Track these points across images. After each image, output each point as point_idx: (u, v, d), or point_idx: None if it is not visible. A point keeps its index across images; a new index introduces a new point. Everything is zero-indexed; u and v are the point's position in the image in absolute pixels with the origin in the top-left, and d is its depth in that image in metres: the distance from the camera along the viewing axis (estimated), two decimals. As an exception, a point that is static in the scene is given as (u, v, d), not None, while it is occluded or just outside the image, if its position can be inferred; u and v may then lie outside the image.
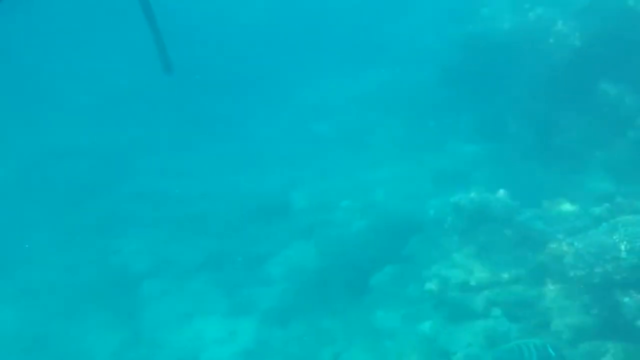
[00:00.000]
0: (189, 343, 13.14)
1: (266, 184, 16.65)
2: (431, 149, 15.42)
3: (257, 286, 13.91)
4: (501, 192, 10.41)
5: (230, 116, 19.46)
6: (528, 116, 13.18)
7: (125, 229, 15.98)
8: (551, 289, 9.37)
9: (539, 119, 12.93)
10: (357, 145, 16.85)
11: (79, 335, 13.92)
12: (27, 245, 15.76)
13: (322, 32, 20.77)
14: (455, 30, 14.67)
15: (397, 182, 14.75)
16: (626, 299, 8.53)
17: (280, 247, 14.54)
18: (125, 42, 18.73)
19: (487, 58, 14.43)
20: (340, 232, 13.42)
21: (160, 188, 17.10)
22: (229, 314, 13.60)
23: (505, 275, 9.77)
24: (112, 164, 17.96)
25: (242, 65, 20.00)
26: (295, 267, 13.85)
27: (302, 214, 15.19)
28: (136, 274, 14.85)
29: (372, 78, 19.11)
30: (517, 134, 13.42)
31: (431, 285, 10.16)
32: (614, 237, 8.68)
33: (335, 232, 13.60)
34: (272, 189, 16.26)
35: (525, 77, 13.28)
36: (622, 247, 8.54)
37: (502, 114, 14.01)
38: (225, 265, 14.53)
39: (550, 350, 8.55)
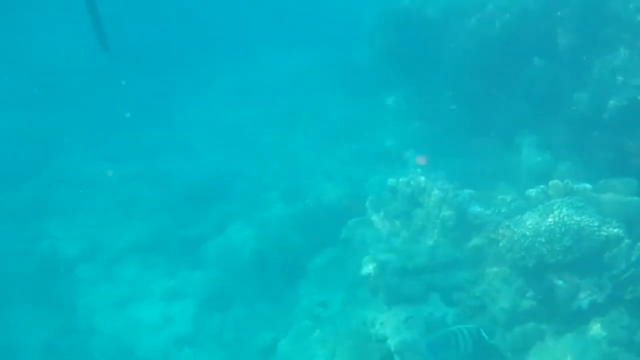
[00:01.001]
0: (125, 330, 12.85)
1: (201, 166, 16.29)
2: (366, 128, 15.28)
3: (193, 269, 13.65)
4: (436, 174, 10.35)
5: (162, 97, 18.90)
6: (463, 94, 13.09)
7: (52, 213, 15.46)
8: (488, 272, 9.39)
9: (474, 97, 12.85)
10: (292, 126, 16.60)
11: (7, 326, 13.44)
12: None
13: (253, 10, 20.26)
14: (389, 6, 14.40)
15: (334, 164, 14.64)
16: (560, 282, 8.60)
17: (217, 230, 14.28)
18: (55, 19, 17.93)
19: (420, 34, 14.27)
20: (277, 215, 13.19)
21: (88, 171, 16.54)
22: (164, 299, 13.34)
23: (443, 260, 9.73)
24: (38, 146, 17.29)
25: (173, 45, 19.39)
26: (232, 250, 13.62)
27: (239, 196, 14.96)
28: (66, 260, 14.38)
29: (305, 57, 18.80)
30: (452, 113, 13.33)
31: (368, 270, 10.05)
32: (549, 220, 8.72)
33: (272, 215, 13.37)
34: (207, 171, 15.92)
35: (460, 54, 13.16)
36: (557, 230, 8.59)
37: (437, 93, 13.89)
38: (159, 249, 14.17)
39: (484, 334, 8.60)
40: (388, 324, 9.58)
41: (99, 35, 6.86)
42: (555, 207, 8.90)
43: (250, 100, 18.31)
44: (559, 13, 11.21)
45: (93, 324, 13.04)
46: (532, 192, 9.56)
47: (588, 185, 9.22)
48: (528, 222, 8.89)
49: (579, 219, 8.56)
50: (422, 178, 10.23)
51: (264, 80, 18.80)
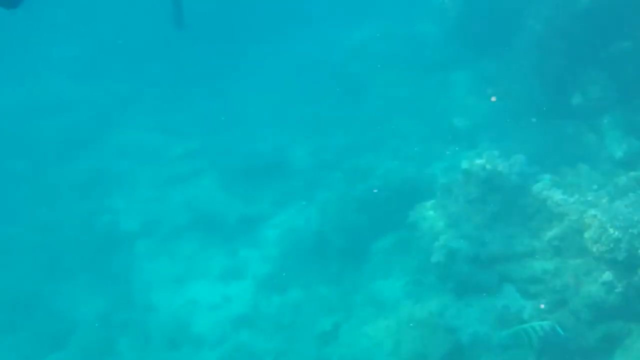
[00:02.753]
0: (182, 308, 12.60)
1: (262, 140, 15.84)
2: (435, 106, 14.53)
3: (253, 249, 13.28)
4: (515, 158, 9.66)
5: (223, 70, 18.48)
6: (540, 72, 12.31)
7: (112, 186, 15.25)
8: (570, 264, 8.71)
9: (553, 75, 12.05)
10: (357, 100, 15.93)
11: (64, 295, 13.37)
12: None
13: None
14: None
15: (402, 141, 13.97)
16: (654, 278, 7.89)
17: (277, 208, 13.86)
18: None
19: (496, 8, 13.51)
20: (341, 194, 12.62)
21: (147, 144, 16.27)
22: (223, 278, 13.02)
23: (519, 249, 9.08)
24: (99, 118, 17.10)
25: (234, 17, 18.91)
26: (293, 230, 13.21)
27: (301, 173, 14.47)
28: (125, 234, 14.21)
29: (370, 30, 18.02)
30: (529, 91, 12.56)
31: (438, 257, 9.50)
32: (642, 210, 8.01)
33: (335, 194, 12.83)
34: (268, 146, 15.49)
35: (539, 28, 12.33)
36: (651, 222, 7.87)
37: (511, 69, 13.12)
38: (218, 227, 13.84)
39: (559, 330, 7.99)
40: (458, 315, 9.01)
41: (176, 12, 6.37)
42: (649, 197, 8.16)
43: (313, 75, 17.69)
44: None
45: (150, 300, 12.83)
46: (621, 179, 8.79)
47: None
48: (618, 212, 8.16)
49: (678, 210, 7.81)
50: (499, 161, 9.53)
51: (327, 54, 18.13)
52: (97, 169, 15.73)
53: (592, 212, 8.49)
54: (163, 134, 16.76)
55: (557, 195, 8.95)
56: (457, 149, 12.88)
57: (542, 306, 8.54)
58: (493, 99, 12.57)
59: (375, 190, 12.06)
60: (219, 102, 18.10)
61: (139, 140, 16.48)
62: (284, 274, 12.44)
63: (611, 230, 8.11)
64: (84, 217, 14.55)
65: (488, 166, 9.57)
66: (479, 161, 9.68)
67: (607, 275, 8.25)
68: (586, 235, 8.41)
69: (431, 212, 10.42)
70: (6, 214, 15.08)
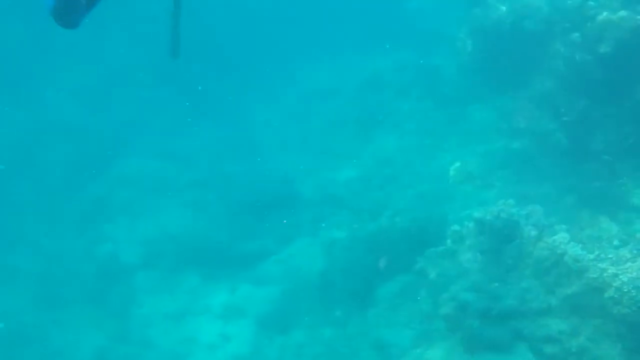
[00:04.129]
0: (180, 345, 12.18)
1: (268, 172, 15.42)
2: (448, 143, 14.06)
3: (255, 286, 12.85)
4: (532, 208, 9.17)
5: (230, 98, 18.10)
6: (561, 113, 11.84)
7: (115, 215, 14.86)
8: (587, 325, 8.18)
9: (574, 118, 11.58)
10: (369, 133, 15.49)
11: (63, 328, 13.02)
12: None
13: (331, 10, 19.15)
14: (482, 14, 13.18)
15: (414, 179, 13.48)
16: (677, 346, 7.36)
17: (281, 244, 13.42)
18: (125, 19, 17.35)
19: (515, 46, 13.06)
20: (348, 233, 12.14)
21: (153, 173, 15.88)
22: (223, 316, 12.59)
23: (534, 305, 8.56)
24: (105, 144, 16.71)
25: (244, 44, 18.57)
26: (297, 268, 12.75)
27: (307, 209, 14.01)
28: (126, 266, 13.82)
29: (384, 61, 17.59)
30: (547, 134, 12.09)
31: (447, 309, 8.99)
32: (667, 271, 7.49)
33: (343, 233, 12.35)
34: (275, 178, 15.04)
35: (561, 68, 11.91)
36: (677, 284, 7.35)
37: (529, 109, 12.65)
38: (220, 261, 13.40)
39: None
40: (468, 373, 8.50)
41: (173, 40, 6.06)
42: (674, 256, 7.65)
43: (326, 104, 17.30)
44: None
45: (148, 336, 12.43)
46: (645, 234, 8.30)
47: None
48: (641, 272, 7.66)
49: None
50: (514, 211, 9.04)
51: (341, 83, 17.73)
52: (101, 198, 15.37)
53: (613, 270, 7.97)
54: (169, 161, 16.38)
55: (576, 251, 8.42)
56: (470, 189, 12.39)
57: None
58: None
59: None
60: (227, 129, 17.73)
61: (144, 168, 16.09)
62: (286, 314, 11.95)
63: (634, 292, 7.59)
64: (85, 247, 14.20)
65: (503, 215, 9.07)
66: (493, 209, 9.18)
67: (628, 340, 7.71)
68: (606, 295, 7.89)
69: (441, 260, 9.91)
70: (9, 242, 14.76)
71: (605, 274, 8.04)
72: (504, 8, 12.61)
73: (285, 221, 13.71)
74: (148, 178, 15.70)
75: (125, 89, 17.96)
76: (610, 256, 8.29)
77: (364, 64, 17.76)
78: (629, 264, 7.97)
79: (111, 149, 16.53)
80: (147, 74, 17.40)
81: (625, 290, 7.67)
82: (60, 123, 17.47)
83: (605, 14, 10.44)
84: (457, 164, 13.11)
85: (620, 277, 7.82)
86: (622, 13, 10.14)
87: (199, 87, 16.99)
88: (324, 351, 11.07)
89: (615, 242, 8.54)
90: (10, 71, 18.13)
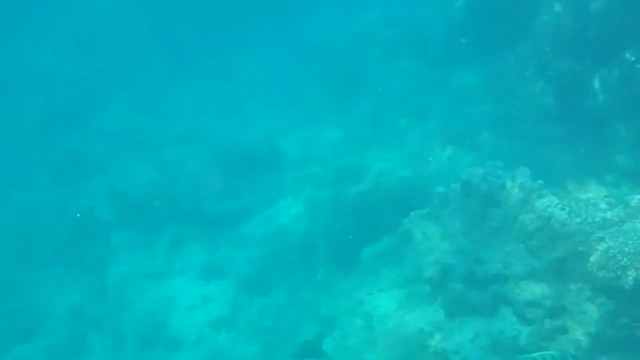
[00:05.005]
0: (158, 305, 11.98)
1: (252, 129, 15.12)
2: (434, 103, 13.75)
3: (235, 247, 12.64)
4: (520, 170, 8.94)
5: (219, 52, 17.66)
6: (550, 74, 11.57)
7: (92, 170, 14.51)
8: (572, 289, 8.03)
9: (563, 79, 11.31)
10: (355, 91, 15.14)
11: (36, 285, 12.85)
12: None
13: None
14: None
15: (398, 139, 13.22)
16: (662, 311, 7.24)
17: (263, 204, 13.19)
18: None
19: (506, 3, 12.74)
20: (333, 194, 11.85)
21: (133, 128, 15.52)
22: (203, 276, 12.38)
23: (518, 269, 8.40)
24: (83, 96, 16.33)
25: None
26: (279, 228, 12.54)
27: (291, 168, 13.78)
28: (102, 223, 13.52)
29: (369, 16, 17.14)
30: (535, 95, 11.83)
31: (431, 272, 8.82)
32: (654, 236, 7.34)
33: (326, 193, 12.06)
34: (258, 135, 14.72)
35: (551, 28, 11.60)
36: (664, 249, 7.21)
37: (519, 70, 12.36)
38: (201, 220, 13.16)
39: None
40: (450, 337, 8.37)
41: None
42: (662, 222, 7.49)
43: (311, 61, 16.89)
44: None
45: (124, 295, 12.23)
46: (633, 198, 8.11)
47: None
48: (628, 236, 7.49)
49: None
50: (501, 173, 8.83)
51: (328, 39, 17.28)
52: (77, 151, 14.99)
53: (600, 234, 7.80)
54: (150, 117, 16.05)
55: (563, 214, 8.24)
56: (456, 150, 12.16)
57: None
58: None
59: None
60: (211, 85, 17.37)
61: (123, 122, 15.75)
62: (267, 276, 11.77)
63: (619, 257, 7.44)
64: (60, 202, 13.89)
65: (489, 177, 8.86)
66: (479, 171, 8.95)
67: (611, 305, 7.58)
68: (592, 259, 7.73)
69: (426, 223, 9.71)
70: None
71: (591, 238, 7.87)
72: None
73: (267, 181, 13.44)
74: (127, 133, 15.39)
75: (108, 41, 17.45)
76: (597, 220, 8.10)
77: (352, 18, 17.34)
78: (615, 227, 7.80)
79: (88, 100, 16.11)
80: (131, 25, 16.87)
81: (611, 254, 7.51)
82: (34, 69, 16.97)
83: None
84: (442, 125, 12.88)
85: (607, 241, 7.65)
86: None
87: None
88: (304, 313, 10.88)
89: (603, 206, 8.34)
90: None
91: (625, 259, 7.45)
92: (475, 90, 13.34)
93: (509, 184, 8.80)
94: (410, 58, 15.16)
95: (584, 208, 8.40)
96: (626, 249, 7.49)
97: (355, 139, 13.73)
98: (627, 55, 10.12)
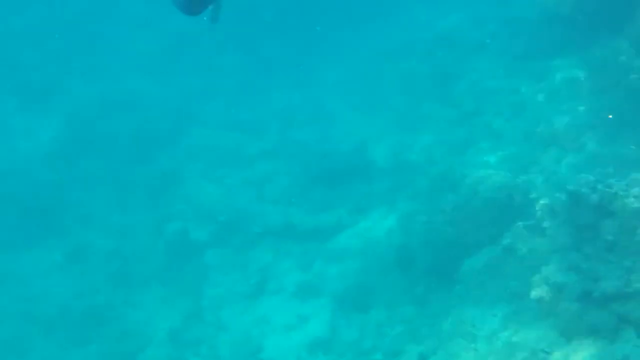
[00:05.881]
0: (254, 327, 11.79)
1: (341, 138, 14.78)
2: (531, 102, 12.99)
3: (330, 262, 12.32)
4: (633, 177, 8.17)
5: (301, 59, 17.37)
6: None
7: (185, 188, 14.56)
8: None
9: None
10: (445, 93, 14.51)
11: (136, 308, 12.90)
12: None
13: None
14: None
15: (495, 142, 12.55)
16: None
17: (356, 216, 12.82)
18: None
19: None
20: (428, 204, 11.31)
21: (222, 144, 15.51)
22: (298, 294, 12.13)
23: (640, 286, 7.66)
24: (172, 115, 16.45)
25: (307, 2, 17.73)
26: (373, 241, 12.12)
27: (383, 177, 13.35)
28: (197, 242, 13.51)
29: (458, 14, 16.46)
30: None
31: (540, 292, 8.19)
32: None
33: (422, 203, 11.55)
34: (347, 144, 14.39)
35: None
36: None
37: (628, 61, 11.41)
38: (293, 236, 12.92)
39: None
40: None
41: (215, 6, 5.79)
42: None
43: (397, 63, 16.34)
44: None
45: (221, 316, 12.14)
46: None
47: None
48: None
49: None
50: (613, 181, 8.08)
51: (413, 41, 16.71)
52: (170, 171, 15.09)
53: None
54: (238, 131, 15.94)
55: (689, 224, 7.47)
56: (557, 153, 11.40)
57: None
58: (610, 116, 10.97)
59: None
60: (296, 94, 17.12)
61: (212, 139, 15.76)
62: (364, 292, 11.37)
63: None
64: (156, 223, 13.97)
65: (600, 186, 8.12)
66: (589, 180, 8.22)
67: None
68: None
69: (531, 235, 9.07)
70: (80, 219, 14.72)
71: None
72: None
73: (359, 191, 13.06)
74: (216, 150, 15.36)
75: (189, 57, 17.52)
76: None
77: (437, 19, 16.70)
78: None
79: (178, 119, 16.20)
80: (211, 40, 16.83)
81: None
82: (126, 93, 17.25)
83: None
84: (542, 125, 12.12)
85: None
86: None
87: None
88: (405, 332, 10.43)
89: None
90: (77, 43, 17.97)
91: None
92: (576, 84, 12.53)
93: (622, 193, 8.03)
94: (502, 54, 14.45)
95: None
96: None
97: (448, 143, 13.14)
98: None
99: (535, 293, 8.27)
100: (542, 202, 8.89)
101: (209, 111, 16.78)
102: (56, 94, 17.62)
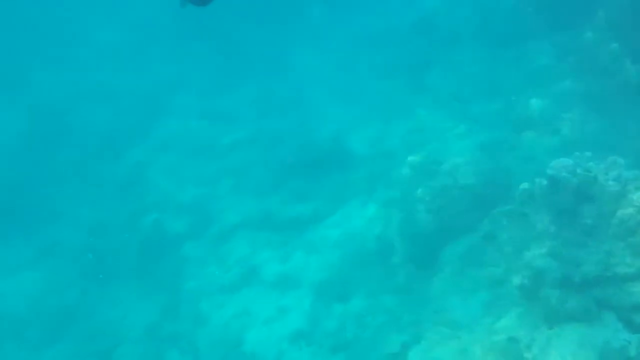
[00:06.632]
0: (233, 320, 11.61)
1: (317, 126, 14.62)
2: (508, 86, 12.95)
3: (309, 252, 12.17)
4: (612, 160, 8.15)
5: (276, 46, 17.16)
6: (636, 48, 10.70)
7: (158, 181, 14.32)
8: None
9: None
10: (422, 79, 14.45)
11: (110, 303, 12.66)
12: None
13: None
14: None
15: (473, 127, 12.47)
16: None
17: (335, 206, 12.68)
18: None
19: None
20: (406, 193, 11.21)
21: (195, 134, 15.27)
22: (278, 285, 11.94)
23: (621, 270, 7.65)
24: (144, 106, 16.15)
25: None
26: (352, 231, 11.98)
27: (360, 166, 13.23)
28: (172, 235, 13.32)
29: (437, 1, 16.37)
30: (615, 71, 10.95)
31: (521, 279, 8.15)
32: None
33: (400, 192, 11.45)
34: (324, 133, 14.24)
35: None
36: None
37: (599, 43, 11.45)
38: (271, 227, 12.76)
39: None
40: (549, 348, 7.70)
41: None
42: None
43: (374, 50, 16.25)
44: None
45: (199, 311, 11.92)
46: None
47: None
48: None
49: None
50: (592, 165, 8.05)
51: (389, 29, 16.60)
52: (142, 163, 14.84)
53: None
54: (211, 120, 15.73)
55: (665, 208, 7.47)
56: (535, 136, 11.38)
57: None
58: None
59: None
60: (271, 82, 16.90)
61: (185, 129, 15.53)
62: (344, 282, 11.25)
63: None
64: (129, 216, 13.72)
65: (579, 170, 8.09)
66: (568, 164, 8.18)
67: None
68: None
69: (510, 222, 9.03)
70: (50, 214, 14.42)
71: None
72: None
73: (337, 181, 12.94)
74: (188, 140, 15.15)
75: (160, 46, 17.23)
76: None
77: (413, 6, 16.59)
78: None
79: (150, 110, 15.93)
80: (180, 27, 16.55)
81: None
82: (96, 84, 16.93)
83: None
84: (518, 109, 12.09)
85: None
86: None
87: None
88: (386, 321, 10.33)
89: None
90: (42, 32, 17.57)
91: None
92: (549, 69, 12.53)
93: (601, 176, 8.01)
94: (476, 40, 14.38)
95: (692, 199, 7.58)
96: None
97: (426, 130, 13.06)
98: None
99: (516, 280, 8.23)
100: (521, 187, 8.82)
101: (180, 101, 16.50)
102: (22, 86, 17.20)
